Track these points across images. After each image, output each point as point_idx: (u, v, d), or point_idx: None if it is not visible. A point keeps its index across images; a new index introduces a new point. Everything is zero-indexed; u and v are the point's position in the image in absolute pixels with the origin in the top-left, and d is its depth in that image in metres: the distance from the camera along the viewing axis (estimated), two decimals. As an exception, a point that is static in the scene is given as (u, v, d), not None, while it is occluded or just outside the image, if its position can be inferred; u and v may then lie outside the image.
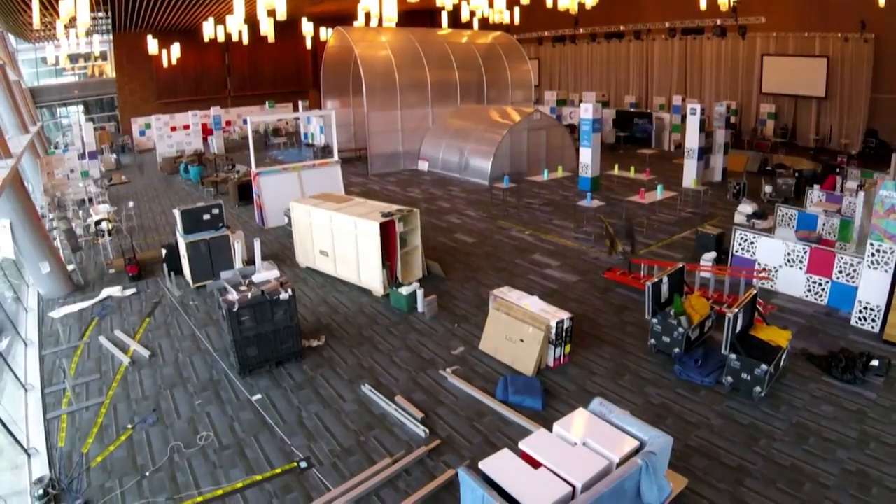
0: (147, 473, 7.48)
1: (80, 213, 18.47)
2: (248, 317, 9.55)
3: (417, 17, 37.63)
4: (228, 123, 38.59)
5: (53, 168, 19.75)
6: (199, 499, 7.02)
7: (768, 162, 23.37)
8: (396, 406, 8.64)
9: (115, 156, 31.70)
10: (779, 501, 6.58)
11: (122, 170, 29.62)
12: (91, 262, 15.38)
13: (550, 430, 6.52)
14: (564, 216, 17.92)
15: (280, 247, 15.92)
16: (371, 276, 12.69)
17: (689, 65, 32.37)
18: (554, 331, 9.36)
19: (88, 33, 33.43)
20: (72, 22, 24.16)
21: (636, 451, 6.15)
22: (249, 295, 9.65)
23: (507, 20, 30.81)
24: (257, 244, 12.09)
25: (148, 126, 35.22)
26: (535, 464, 5.99)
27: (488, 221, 17.87)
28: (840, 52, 26.13)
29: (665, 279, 10.23)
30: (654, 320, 9.82)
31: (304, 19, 29.74)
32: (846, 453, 7.30)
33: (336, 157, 19.02)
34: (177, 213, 13.35)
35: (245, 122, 27.14)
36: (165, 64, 36.11)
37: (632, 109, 32.53)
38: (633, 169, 20.24)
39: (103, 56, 40.48)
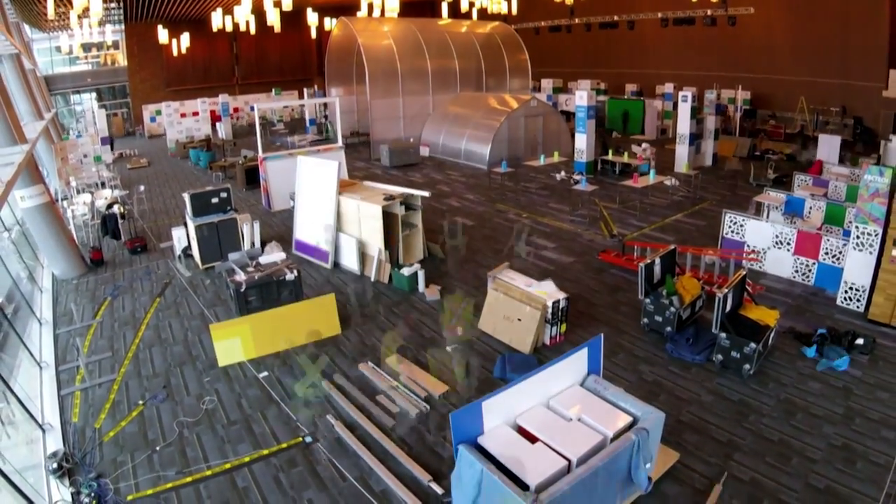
0: (157, 448, 7.42)
1: (93, 196, 18.32)
2: (254, 297, 9.47)
3: (418, 7, 37.24)
4: (236, 110, 38.33)
5: (67, 153, 19.57)
6: (208, 472, 6.96)
7: (757, 147, 23.22)
8: (398, 384, 8.59)
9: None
10: (767, 475, 6.52)
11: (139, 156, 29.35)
12: (105, 242, 15.25)
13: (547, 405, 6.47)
14: (560, 200, 17.78)
15: (286, 229, 15.78)
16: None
17: (681, 53, 32.04)
18: (550, 310, 9.28)
19: (101, 23, 33.15)
20: (85, 12, 23.96)
21: (629, 427, 6.09)
22: (256, 276, 9.57)
23: (504, 10, 30.62)
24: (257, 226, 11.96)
25: (158, 113, 34.99)
26: (531, 438, 5.93)
27: (487, 205, 17.73)
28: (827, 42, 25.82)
29: (657, 260, 10.13)
30: (647, 300, 9.73)
31: (309, 9, 29.42)
32: (832, 428, 7.23)
33: (340, 142, 18.84)
34: (186, 196, 13.22)
35: (252, 108, 26.94)
36: (175, 53, 35.79)
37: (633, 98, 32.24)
38: (626, 154, 20.07)
39: (115, 45, 40.10)
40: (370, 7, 28.50)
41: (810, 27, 26.17)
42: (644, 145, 20.88)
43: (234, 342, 9.34)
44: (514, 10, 31.19)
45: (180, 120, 31.13)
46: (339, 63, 29.55)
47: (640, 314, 9.99)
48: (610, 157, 20.46)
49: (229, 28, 29.46)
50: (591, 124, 20.23)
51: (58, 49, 37.70)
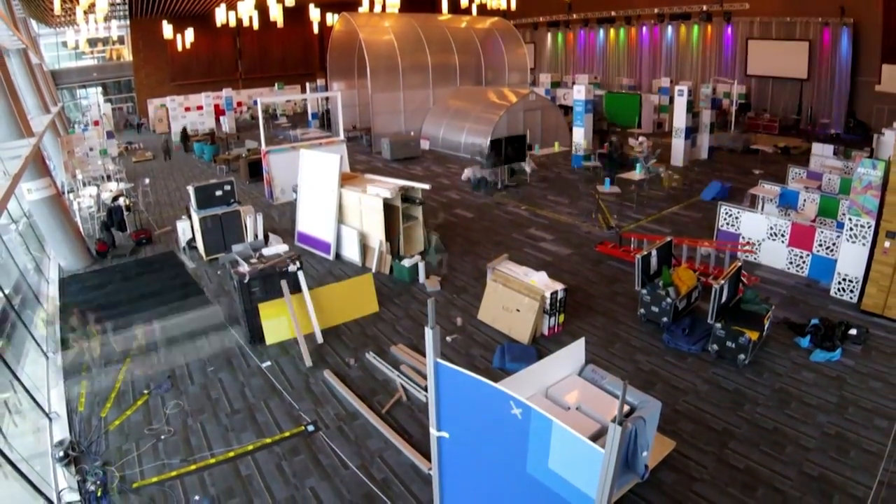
0: (162, 437, 7.39)
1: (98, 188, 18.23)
2: (258, 288, 9.42)
3: (419, 3, 37.07)
4: (240, 104, 38.16)
5: (73, 146, 19.49)
6: (212, 460, 6.93)
7: (751, 141, 23.11)
8: (400, 373, 8.56)
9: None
10: (762, 463, 6.49)
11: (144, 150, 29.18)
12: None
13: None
14: (559, 192, 17.70)
15: (288, 221, 15.71)
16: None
17: (676, 49, 31.91)
18: (548, 301, 9.23)
19: (107, 18, 32.96)
20: (91, 8, 23.82)
21: (627, 416, 6.05)
22: (259, 267, 9.53)
23: (504, 6, 30.45)
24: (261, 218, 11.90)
25: (163, 107, 34.84)
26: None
27: (486, 197, 17.66)
28: (820, 37, 25.71)
29: (654, 252, 10.07)
30: (644, 291, 9.68)
31: (311, 5, 29.27)
32: (826, 417, 7.20)
33: (342, 135, 18.75)
34: (190, 189, 13.15)
35: (255, 102, 26.84)
36: (180, 48, 35.62)
37: (625, 91, 32.07)
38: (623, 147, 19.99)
39: (121, 40, 39.96)
40: (371, 3, 28.36)
41: (803, 21, 26.13)
42: (640, 139, 20.79)
43: (280, 321, 9.47)
44: (513, 6, 31.04)
45: (184, 114, 31.02)
46: (340, 58, 29.36)
47: (636, 305, 9.93)
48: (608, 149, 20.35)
49: (233, 23, 29.32)
50: (589, 118, 20.16)
51: (64, 44, 37.52)
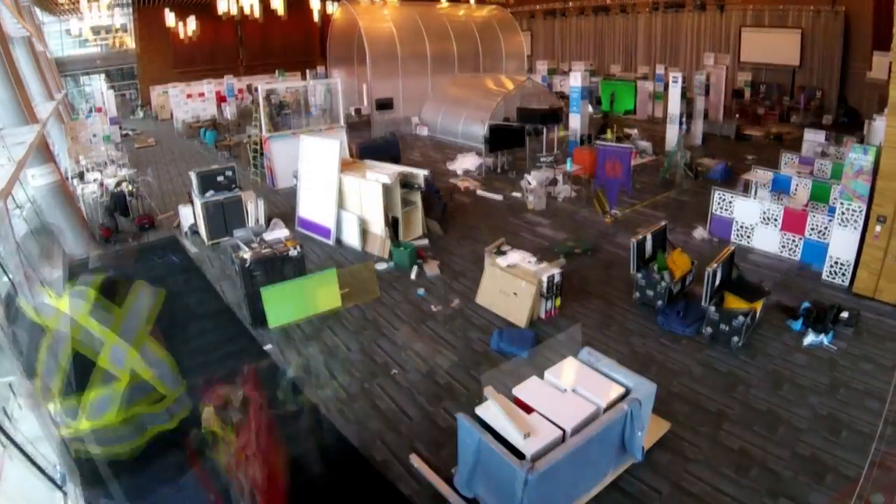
0: (168, 419, 7.33)
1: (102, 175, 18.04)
2: (259, 272, 9.35)
3: (417, -8, 36.79)
4: (241, 91, 37.81)
5: (77, 133, 19.31)
6: (215, 442, 6.88)
7: (741, 129, 22.95)
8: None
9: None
10: (755, 444, 6.44)
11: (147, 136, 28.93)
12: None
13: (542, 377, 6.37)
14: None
15: (289, 207, 15.58)
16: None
17: (671, 37, 31.64)
18: (545, 285, 9.16)
19: (110, 7, 32.61)
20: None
21: (622, 398, 6.00)
22: (261, 252, 9.46)
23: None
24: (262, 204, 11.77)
25: (165, 94, 34.50)
26: (527, 409, 5.83)
27: (485, 183, 17.49)
28: (812, 25, 25.50)
29: (649, 237, 9.98)
30: (639, 275, 9.61)
31: (312, -6, 29.00)
32: (818, 399, 7.15)
33: (342, 122, 18.58)
34: (193, 175, 13.02)
35: (257, 90, 26.59)
36: (182, 36, 35.23)
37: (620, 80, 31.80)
38: (610, 132, 19.80)
39: (124, 28, 39.48)
40: (371, -8, 28.11)
41: (795, 10, 25.90)
42: (634, 131, 20.65)
43: (283, 305, 9.34)
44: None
45: (186, 101, 30.75)
46: (340, 46, 29.10)
47: (632, 289, 9.86)
48: (609, 136, 20.17)
49: (234, 12, 29.00)
50: (585, 105, 19.99)
51: (68, 32, 37.12)
